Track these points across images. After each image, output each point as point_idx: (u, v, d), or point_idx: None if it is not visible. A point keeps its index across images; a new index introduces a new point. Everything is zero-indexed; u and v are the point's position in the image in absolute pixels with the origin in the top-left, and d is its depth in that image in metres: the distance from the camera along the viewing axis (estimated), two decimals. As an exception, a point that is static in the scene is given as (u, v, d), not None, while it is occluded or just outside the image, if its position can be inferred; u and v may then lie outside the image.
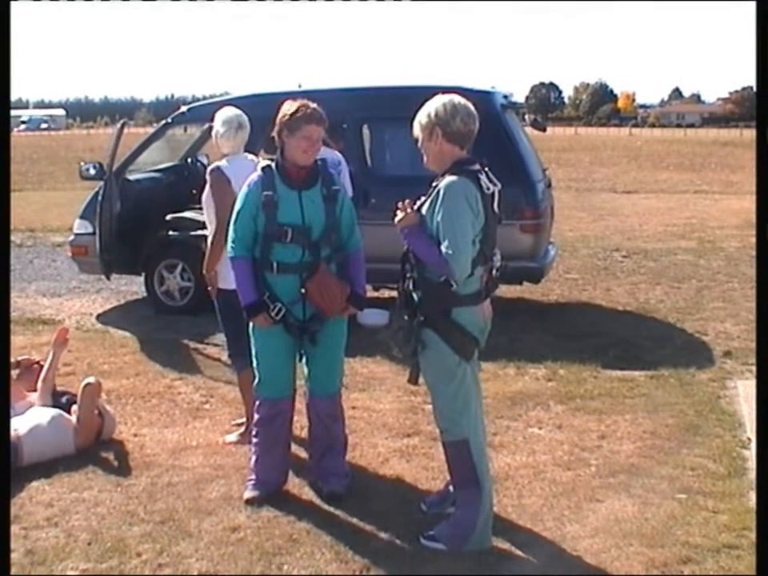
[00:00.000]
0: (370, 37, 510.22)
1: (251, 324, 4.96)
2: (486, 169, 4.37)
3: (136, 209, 9.76)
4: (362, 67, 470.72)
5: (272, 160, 4.98)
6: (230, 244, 4.89)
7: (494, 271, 4.39)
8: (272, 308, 4.83)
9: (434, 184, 4.28)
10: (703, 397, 6.73)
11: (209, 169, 5.77)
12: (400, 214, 4.32)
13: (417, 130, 4.35)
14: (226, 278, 5.61)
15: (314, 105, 4.81)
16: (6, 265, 5.23)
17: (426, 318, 4.30)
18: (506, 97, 9.69)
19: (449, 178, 4.20)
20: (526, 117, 10.63)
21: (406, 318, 4.38)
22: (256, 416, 5.09)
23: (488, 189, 4.20)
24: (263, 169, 4.87)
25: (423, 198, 4.33)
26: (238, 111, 5.87)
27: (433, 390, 4.50)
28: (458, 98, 4.32)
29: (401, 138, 9.29)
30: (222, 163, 5.74)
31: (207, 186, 5.77)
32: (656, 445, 5.82)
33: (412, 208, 4.31)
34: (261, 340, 4.97)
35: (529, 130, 10.40)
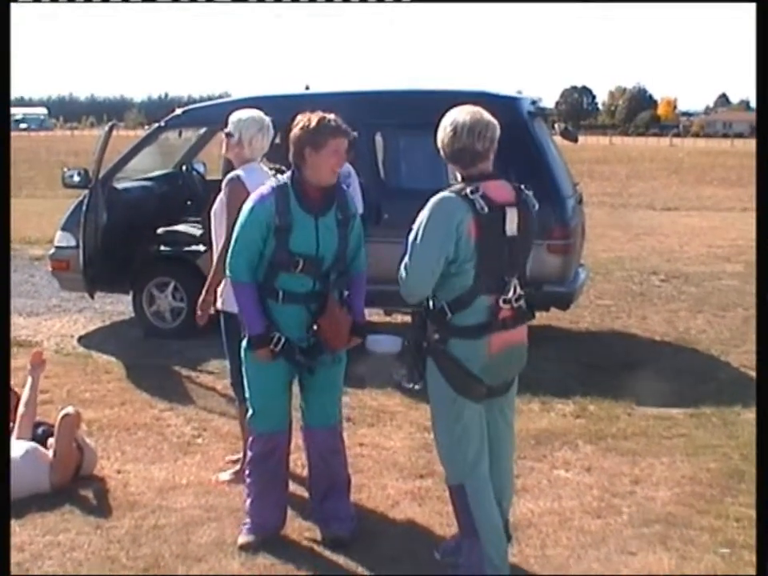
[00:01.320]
0: (386, 37, 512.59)
1: (244, 350, 4.98)
2: (522, 186, 4.43)
3: (124, 220, 9.80)
4: (376, 69, 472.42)
5: (278, 169, 4.99)
6: (231, 265, 4.86)
7: (501, 301, 4.33)
8: (274, 340, 4.84)
9: None
10: (749, 438, 6.69)
11: (227, 178, 5.73)
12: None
13: None
14: (233, 300, 5.63)
15: (332, 115, 4.78)
16: (6, 269, 5.37)
17: (428, 346, 4.40)
18: (533, 102, 9.72)
19: (436, 196, 4.30)
20: (556, 125, 10.66)
21: (413, 342, 4.46)
22: (250, 453, 5.10)
23: (482, 209, 4.20)
24: (277, 186, 4.81)
25: None
26: (255, 110, 5.89)
27: (432, 426, 4.58)
28: (448, 118, 4.40)
29: (418, 147, 9.33)
30: (241, 172, 5.71)
31: (222, 197, 5.74)
32: (696, 492, 5.80)
33: None
34: (255, 368, 4.97)
35: (558, 139, 10.42)
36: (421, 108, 9.10)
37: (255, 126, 5.78)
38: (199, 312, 5.84)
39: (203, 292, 5.80)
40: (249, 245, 4.80)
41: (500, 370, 4.45)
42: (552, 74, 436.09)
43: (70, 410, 5.88)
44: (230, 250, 4.90)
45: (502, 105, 9.47)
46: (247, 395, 5.05)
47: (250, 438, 5.10)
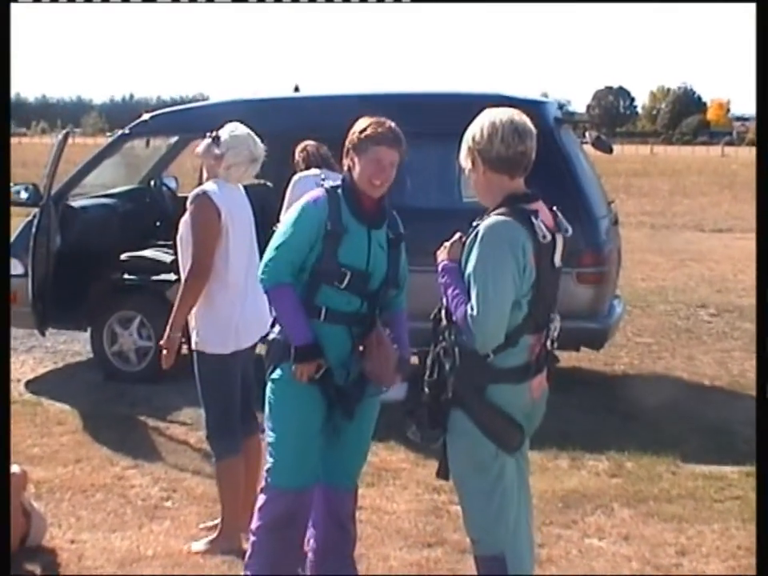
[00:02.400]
0: (390, 35, 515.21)
1: (272, 385, 4.96)
2: (555, 208, 4.45)
3: (81, 244, 9.83)
4: (378, 69, 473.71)
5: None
6: (270, 269, 4.86)
7: (548, 342, 4.41)
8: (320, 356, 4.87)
9: (474, 223, 4.34)
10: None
11: (192, 193, 5.80)
12: (445, 246, 4.44)
13: (461, 159, 4.47)
14: (210, 338, 5.70)
15: (390, 123, 4.93)
16: (6, 275, 5.74)
17: (456, 394, 4.35)
18: (561, 107, 9.81)
19: (492, 218, 4.25)
20: (587, 133, 10.69)
21: (431, 392, 4.42)
22: (262, 516, 4.99)
23: (544, 237, 4.22)
24: (328, 191, 4.93)
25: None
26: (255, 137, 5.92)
27: (461, 489, 4.53)
28: (503, 114, 4.37)
29: (426, 159, 9.38)
30: (209, 187, 5.77)
31: (187, 216, 5.80)
32: (754, 565, 5.78)
33: (461, 240, 4.39)
34: (290, 408, 4.94)
35: (590, 150, 10.46)
36: (428, 114, 9.18)
37: (245, 155, 5.80)
38: (164, 352, 5.83)
39: (167, 327, 5.81)
40: (296, 248, 4.85)
41: (537, 417, 4.52)
42: (583, 73, 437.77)
43: (15, 468, 5.88)
44: (267, 254, 4.92)
45: (523, 110, 9.48)
46: (270, 439, 4.98)
47: (264, 496, 5.00)
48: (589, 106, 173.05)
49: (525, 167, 4.36)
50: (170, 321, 5.79)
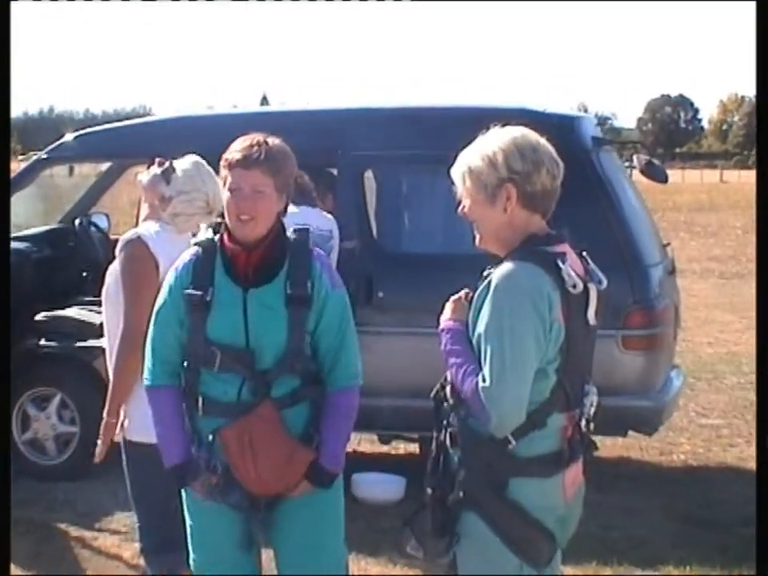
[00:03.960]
0: (391, 34, 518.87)
1: (183, 494, 5.00)
2: (584, 254, 4.39)
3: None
4: (381, 76, 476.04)
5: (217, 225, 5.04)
6: (145, 364, 4.92)
7: (584, 421, 4.38)
8: (210, 467, 4.78)
9: (485, 272, 4.28)
10: None
11: (123, 238, 5.78)
12: (450, 305, 4.37)
13: (466, 187, 4.32)
14: (140, 423, 5.65)
15: (260, 138, 4.76)
16: (6, 271, 5.99)
17: (468, 493, 4.32)
18: (601, 123, 9.92)
19: (508, 264, 4.17)
20: (636, 156, 10.73)
21: (435, 491, 4.41)
22: None
23: (574, 286, 4.14)
24: (199, 244, 4.86)
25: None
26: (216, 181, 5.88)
27: None
28: (535, 136, 4.29)
29: (429, 190, 9.42)
30: (145, 231, 5.76)
31: (116, 265, 5.80)
32: None
33: (469, 296, 4.34)
34: (197, 523, 4.99)
35: (640, 178, 10.50)
36: (433, 132, 9.20)
37: (199, 205, 5.76)
38: (99, 443, 5.80)
39: (104, 412, 5.78)
40: (164, 333, 4.85)
41: (572, 521, 4.48)
42: (633, 79, 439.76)
43: None
44: (148, 333, 4.93)
45: (552, 127, 9.41)
46: (191, 560, 5.04)
47: None
48: (640, 120, 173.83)
49: (552, 205, 4.32)
50: (108, 403, 5.75)
